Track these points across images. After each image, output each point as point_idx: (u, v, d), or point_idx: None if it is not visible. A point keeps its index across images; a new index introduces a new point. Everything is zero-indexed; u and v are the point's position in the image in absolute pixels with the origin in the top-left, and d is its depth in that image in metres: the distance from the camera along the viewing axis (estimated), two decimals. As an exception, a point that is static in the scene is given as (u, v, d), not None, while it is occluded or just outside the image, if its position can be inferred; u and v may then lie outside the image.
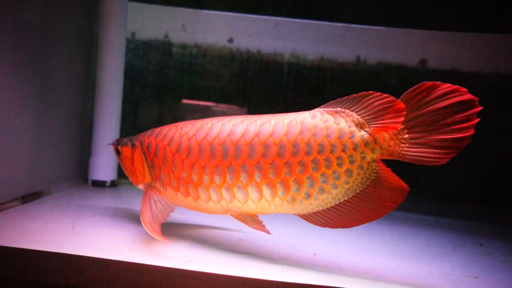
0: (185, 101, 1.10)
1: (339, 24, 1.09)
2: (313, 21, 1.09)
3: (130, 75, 0.97)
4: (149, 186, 0.60)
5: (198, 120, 0.57)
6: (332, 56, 1.11)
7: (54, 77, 0.78)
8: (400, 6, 1.06)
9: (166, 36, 1.09)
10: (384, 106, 0.49)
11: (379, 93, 0.49)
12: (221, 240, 0.61)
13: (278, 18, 1.10)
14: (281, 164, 0.50)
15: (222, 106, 1.11)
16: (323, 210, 0.50)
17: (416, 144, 0.48)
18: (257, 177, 0.50)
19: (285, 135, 0.50)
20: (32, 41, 0.69)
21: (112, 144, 0.65)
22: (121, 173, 0.96)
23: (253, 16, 1.11)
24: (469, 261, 0.63)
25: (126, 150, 0.62)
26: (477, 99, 0.48)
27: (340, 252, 0.60)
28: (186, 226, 0.67)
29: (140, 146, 0.60)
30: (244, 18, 1.13)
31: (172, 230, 0.63)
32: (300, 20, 1.10)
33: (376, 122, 0.49)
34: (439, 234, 0.80)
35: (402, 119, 0.48)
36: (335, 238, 0.67)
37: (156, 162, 0.57)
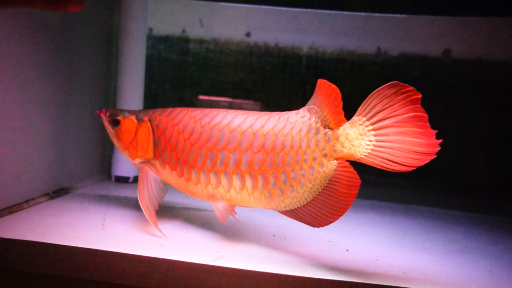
0: (201, 97, 1.09)
1: (359, 13, 1.06)
2: (332, 11, 1.07)
3: (149, 71, 0.97)
4: (147, 163, 0.61)
5: (209, 109, 0.60)
6: (351, 48, 1.08)
7: (77, 75, 0.78)
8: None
9: (184, 31, 1.08)
10: (333, 99, 0.49)
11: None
12: (254, 235, 0.60)
13: (296, 10, 1.08)
14: (264, 156, 0.52)
15: (239, 102, 1.10)
16: (297, 208, 0.51)
17: (380, 147, 0.47)
18: (243, 165, 0.53)
19: (272, 128, 0.52)
20: (55, 41, 0.69)
21: (101, 112, 0.64)
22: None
23: (270, 8, 1.09)
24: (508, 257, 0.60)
25: (129, 123, 0.62)
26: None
27: (375, 248, 0.59)
28: (214, 220, 0.66)
29: (149, 122, 0.61)
30: (261, 11, 1.11)
31: (200, 224, 0.63)
32: (318, 11, 1.08)
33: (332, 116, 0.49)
34: (467, 228, 0.77)
35: (340, 109, 0.48)
36: (370, 233, 0.66)
37: (163, 140, 0.60)
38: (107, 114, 0.64)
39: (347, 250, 0.56)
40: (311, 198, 0.50)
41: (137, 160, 0.62)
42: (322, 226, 0.49)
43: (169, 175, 0.60)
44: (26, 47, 0.62)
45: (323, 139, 0.49)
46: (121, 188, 0.86)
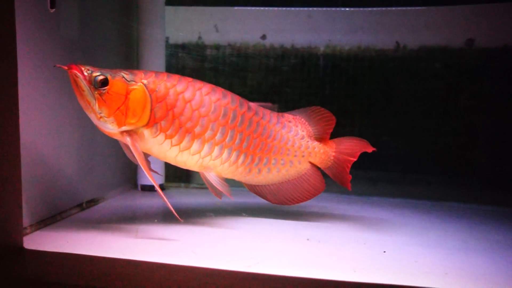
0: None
1: (375, 8, 1.04)
2: (347, 9, 1.05)
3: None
4: (133, 131, 0.56)
5: (210, 85, 0.63)
6: (369, 44, 1.06)
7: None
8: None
9: (200, 38, 1.09)
10: (320, 117, 0.69)
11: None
12: (287, 239, 0.60)
13: (311, 9, 1.07)
14: (260, 141, 0.65)
15: (258, 104, 1.10)
16: (263, 186, 0.68)
17: (335, 163, 0.69)
18: (244, 145, 0.64)
19: (269, 121, 0.67)
20: (78, 52, 0.71)
21: (74, 68, 0.52)
22: (169, 177, 0.97)
23: (284, 9, 1.08)
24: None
25: (119, 84, 0.54)
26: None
27: (413, 249, 0.57)
28: (243, 225, 0.66)
29: (145, 86, 0.55)
30: (275, 12, 1.11)
31: (230, 229, 0.63)
32: (333, 9, 1.06)
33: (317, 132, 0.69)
34: (500, 225, 0.74)
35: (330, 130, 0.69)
36: (405, 233, 0.65)
37: (164, 107, 0.57)
38: (86, 71, 0.53)
39: (384, 251, 0.55)
40: (278, 182, 0.68)
41: (122, 129, 0.55)
42: (275, 203, 0.68)
43: (157, 144, 0.58)
44: (49, 60, 0.64)
45: (306, 145, 0.68)
46: (148, 196, 0.87)
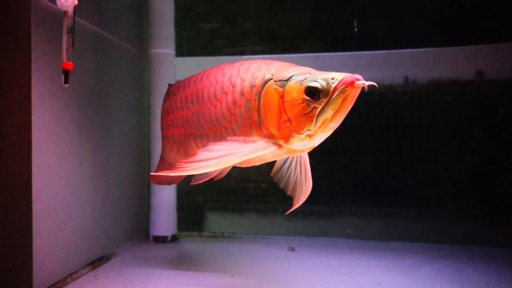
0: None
1: (381, 51, 1.05)
2: (354, 53, 1.06)
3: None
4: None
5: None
6: (377, 80, 1.06)
7: (114, 143, 0.80)
8: (443, 26, 1.01)
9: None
10: None
11: None
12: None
13: (317, 54, 1.08)
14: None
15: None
16: None
17: None
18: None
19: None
20: (92, 106, 0.72)
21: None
22: (181, 226, 0.94)
23: (291, 55, 1.10)
24: None
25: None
26: None
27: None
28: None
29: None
30: (282, 58, 1.12)
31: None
32: (340, 53, 1.07)
33: None
34: None
35: None
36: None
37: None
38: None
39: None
40: None
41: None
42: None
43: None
44: (62, 108, 0.64)
45: None
46: (161, 248, 0.85)
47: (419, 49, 1.03)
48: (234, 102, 0.50)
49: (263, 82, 0.48)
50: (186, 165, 0.46)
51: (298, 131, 0.45)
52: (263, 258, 0.77)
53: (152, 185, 0.90)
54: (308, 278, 0.66)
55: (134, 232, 0.89)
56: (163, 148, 0.67)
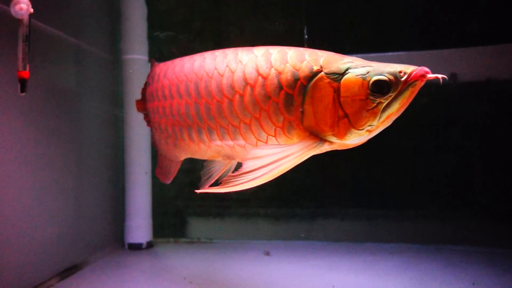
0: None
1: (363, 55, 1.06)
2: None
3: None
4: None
5: None
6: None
7: (86, 150, 0.79)
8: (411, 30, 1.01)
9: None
10: None
11: None
12: None
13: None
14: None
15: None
16: None
17: None
18: None
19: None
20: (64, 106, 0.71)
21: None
22: (157, 233, 0.93)
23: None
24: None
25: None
26: None
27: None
28: None
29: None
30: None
31: None
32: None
33: None
34: None
35: None
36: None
37: None
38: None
39: None
40: None
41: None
42: None
43: None
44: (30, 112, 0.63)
45: None
46: (137, 256, 0.84)
47: (394, 53, 1.04)
48: (268, 97, 0.45)
49: (310, 74, 0.43)
50: (237, 178, 0.42)
51: (359, 127, 0.42)
52: (238, 263, 0.77)
53: (127, 192, 0.89)
54: (282, 282, 0.66)
55: (108, 239, 0.88)
56: (152, 135, 0.61)
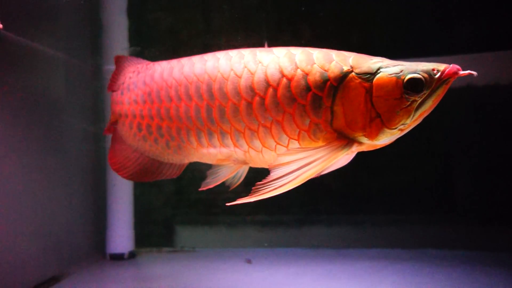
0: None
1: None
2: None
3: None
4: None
5: None
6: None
7: (67, 152, 0.78)
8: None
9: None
10: None
11: None
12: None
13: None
14: None
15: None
16: None
17: None
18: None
19: None
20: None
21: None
22: (139, 243, 0.91)
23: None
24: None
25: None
26: None
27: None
28: None
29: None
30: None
31: None
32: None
33: None
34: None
35: None
36: None
37: None
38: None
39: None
40: None
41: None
42: None
43: None
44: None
45: None
46: (117, 266, 0.82)
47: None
48: (293, 99, 0.43)
49: (341, 75, 0.42)
50: (266, 186, 0.40)
51: (392, 126, 0.42)
52: (220, 271, 0.76)
53: (108, 201, 0.88)
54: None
55: (89, 250, 0.86)
56: (118, 125, 0.55)
